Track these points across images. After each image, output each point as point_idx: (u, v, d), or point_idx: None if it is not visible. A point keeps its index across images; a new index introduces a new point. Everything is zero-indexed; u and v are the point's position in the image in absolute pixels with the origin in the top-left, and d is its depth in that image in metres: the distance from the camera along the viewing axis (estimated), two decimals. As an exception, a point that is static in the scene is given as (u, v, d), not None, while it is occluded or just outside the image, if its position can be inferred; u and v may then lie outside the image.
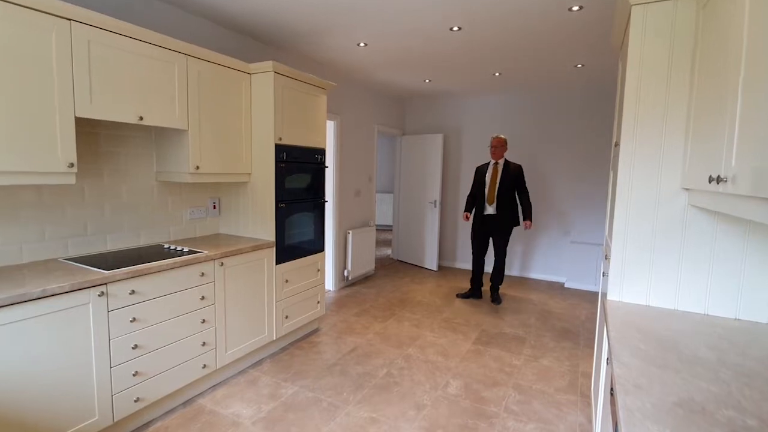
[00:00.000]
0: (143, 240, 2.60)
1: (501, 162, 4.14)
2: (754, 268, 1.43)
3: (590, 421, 2.24)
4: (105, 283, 1.87)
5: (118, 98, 2.05)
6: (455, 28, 2.88)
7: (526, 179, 4.22)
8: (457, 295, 4.40)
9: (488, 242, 4.29)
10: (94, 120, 2.20)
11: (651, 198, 1.57)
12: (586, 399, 2.48)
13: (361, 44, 3.31)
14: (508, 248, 4.39)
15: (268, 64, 2.70)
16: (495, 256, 4.26)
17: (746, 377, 1.02)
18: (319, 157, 3.22)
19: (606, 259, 1.80)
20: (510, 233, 4.19)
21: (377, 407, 2.34)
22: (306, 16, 2.78)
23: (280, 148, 2.82)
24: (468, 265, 5.66)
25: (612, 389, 1.20)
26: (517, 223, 4.20)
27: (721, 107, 1.09)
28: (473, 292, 4.38)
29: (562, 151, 5.06)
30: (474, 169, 4.45)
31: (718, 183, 1.05)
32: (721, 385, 0.99)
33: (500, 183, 4.08)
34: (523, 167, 4.31)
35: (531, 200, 4.23)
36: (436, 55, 3.54)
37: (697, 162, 1.28)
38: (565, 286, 4.99)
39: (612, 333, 1.30)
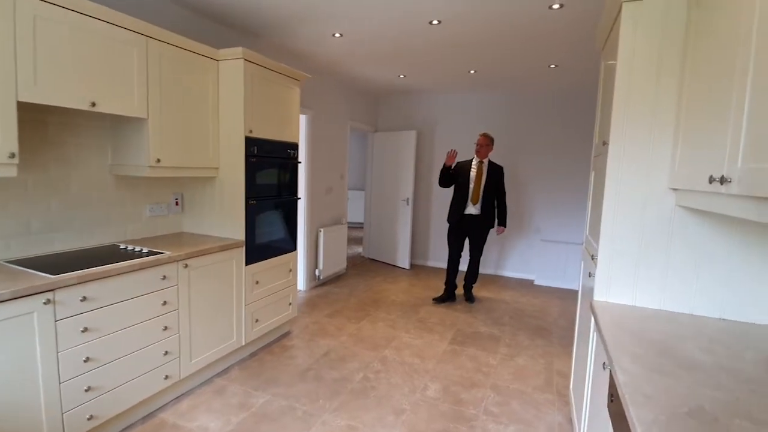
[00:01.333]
0: (96, 239, 2.36)
1: (486, 161, 4.02)
2: (739, 268, 1.45)
3: (569, 421, 2.25)
4: (52, 290, 1.65)
5: (68, 81, 1.82)
6: (435, 22, 2.81)
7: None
8: (434, 300, 4.21)
9: (464, 242, 4.18)
10: (40, 106, 1.94)
11: (639, 198, 1.55)
12: (563, 398, 2.49)
13: (337, 35, 3.17)
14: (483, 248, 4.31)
15: (238, 51, 2.52)
16: (471, 256, 4.18)
17: (749, 383, 1.01)
18: (292, 152, 3.06)
19: (593, 259, 1.78)
20: (488, 233, 4.11)
21: (355, 414, 2.24)
22: (280, 2, 2.61)
23: (250, 142, 2.64)
24: (441, 263, 5.64)
25: (611, 395, 1.16)
26: (493, 225, 4.13)
27: (724, 107, 1.07)
28: (449, 295, 4.24)
29: (533, 150, 5.13)
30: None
31: (722, 183, 1.02)
32: (726, 392, 0.96)
33: (485, 183, 3.97)
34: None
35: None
36: (413, 49, 3.46)
37: (692, 162, 1.27)
38: (535, 283, 5.08)
39: (607, 337, 1.26)
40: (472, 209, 4.01)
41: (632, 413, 0.87)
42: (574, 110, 4.89)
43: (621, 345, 1.21)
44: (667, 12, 1.45)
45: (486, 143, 3.99)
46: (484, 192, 3.97)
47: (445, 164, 3.97)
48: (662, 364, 1.09)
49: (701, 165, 1.18)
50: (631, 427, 0.87)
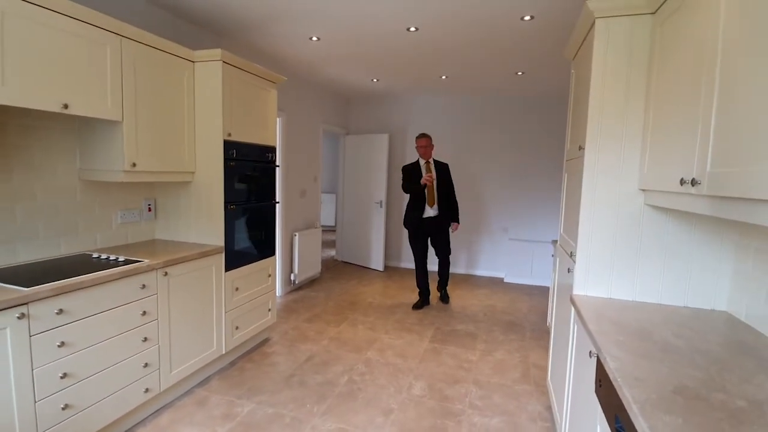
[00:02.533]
0: (64, 249, 2.23)
1: (432, 161, 4.01)
2: (698, 261, 1.61)
3: (548, 409, 2.37)
4: (26, 303, 1.56)
5: (38, 82, 1.72)
6: (412, 29, 2.89)
7: (455, 179, 4.14)
8: (413, 308, 4.09)
9: (428, 244, 4.12)
10: (1, 107, 1.82)
11: (612, 199, 1.69)
12: (540, 388, 2.62)
13: (314, 38, 3.17)
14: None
15: (216, 53, 2.47)
16: (440, 256, 4.16)
17: (718, 362, 1.13)
18: (270, 155, 3.03)
19: (570, 256, 1.90)
20: (448, 231, 4.12)
21: (344, 417, 2.26)
22: (258, 3, 2.58)
23: (229, 145, 2.60)
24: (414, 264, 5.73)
25: (599, 381, 1.26)
26: (450, 223, 4.12)
27: (692, 117, 1.19)
28: (425, 300, 4.17)
29: (499, 152, 5.34)
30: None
31: (692, 185, 1.14)
32: (702, 371, 1.08)
33: (437, 183, 3.96)
34: (449, 166, 4.16)
35: (465, 200, 4.19)
36: (388, 54, 3.52)
37: (662, 165, 1.40)
38: (505, 281, 5.28)
39: (592, 327, 1.37)
40: (430, 212, 3.99)
41: (627, 394, 0.96)
42: (538, 115, 5.14)
43: (606, 334, 1.32)
44: (635, 28, 1.59)
45: (429, 143, 3.98)
46: (438, 192, 3.97)
47: (421, 183, 3.85)
48: (644, 349, 1.20)
49: (672, 168, 1.31)
50: (626, 406, 0.95)
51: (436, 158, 4.11)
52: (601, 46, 1.64)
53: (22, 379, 1.56)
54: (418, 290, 4.22)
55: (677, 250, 1.64)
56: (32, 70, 1.70)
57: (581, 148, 1.79)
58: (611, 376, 1.08)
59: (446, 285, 4.36)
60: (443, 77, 4.26)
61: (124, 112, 2.13)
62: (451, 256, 4.26)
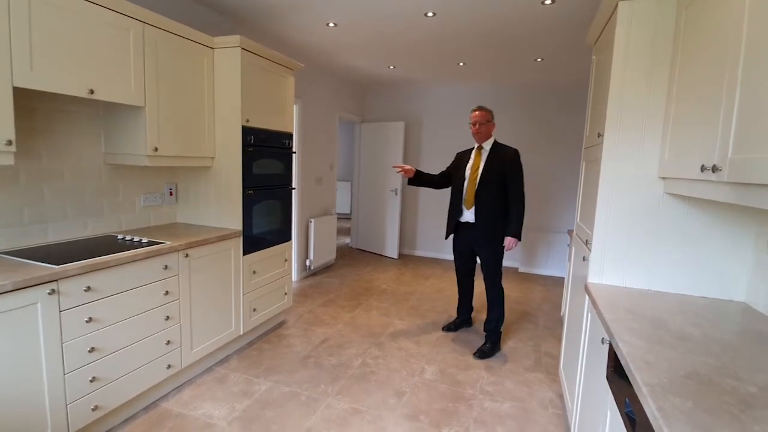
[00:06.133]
0: (90, 230, 2.32)
1: (487, 146, 2.84)
2: (718, 250, 1.58)
3: (559, 397, 2.38)
4: (56, 280, 1.64)
5: (64, 67, 1.78)
6: (430, 14, 2.85)
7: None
8: (443, 329, 3.29)
9: (474, 256, 3.06)
10: (30, 92, 1.90)
11: (631, 187, 1.66)
12: (551, 377, 2.63)
13: (331, 24, 3.17)
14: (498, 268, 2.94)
15: (235, 39, 2.50)
16: (486, 282, 2.94)
17: (732, 350, 1.12)
18: (287, 141, 3.06)
19: (586, 244, 1.89)
20: (502, 246, 2.83)
21: (357, 397, 2.31)
22: (275, -10, 2.60)
23: (247, 131, 2.64)
24: (429, 253, 5.76)
25: (612, 367, 1.27)
26: (499, 236, 2.83)
27: (714, 103, 1.16)
28: (462, 320, 3.32)
29: (517, 141, 5.26)
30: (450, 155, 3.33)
31: (713, 172, 1.12)
32: (715, 358, 1.07)
33: (481, 177, 2.80)
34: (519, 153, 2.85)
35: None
36: (406, 40, 3.50)
37: (683, 152, 1.37)
38: (519, 270, 5.26)
39: (606, 315, 1.37)
40: (467, 215, 2.89)
41: (637, 377, 0.96)
42: (556, 103, 5.04)
43: (620, 321, 1.32)
44: (659, 11, 1.54)
45: (485, 119, 2.79)
46: (479, 190, 2.80)
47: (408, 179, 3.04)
48: (658, 336, 1.20)
49: (692, 155, 1.29)
50: (636, 390, 0.96)
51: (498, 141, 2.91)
52: (623, 30, 1.60)
53: (52, 351, 1.65)
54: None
55: (696, 240, 1.61)
56: (59, 55, 1.75)
57: (600, 135, 1.76)
58: (622, 361, 1.09)
59: (493, 329, 2.93)
60: (461, 64, 4.20)
61: (147, 98, 2.18)
62: (500, 283, 2.97)
